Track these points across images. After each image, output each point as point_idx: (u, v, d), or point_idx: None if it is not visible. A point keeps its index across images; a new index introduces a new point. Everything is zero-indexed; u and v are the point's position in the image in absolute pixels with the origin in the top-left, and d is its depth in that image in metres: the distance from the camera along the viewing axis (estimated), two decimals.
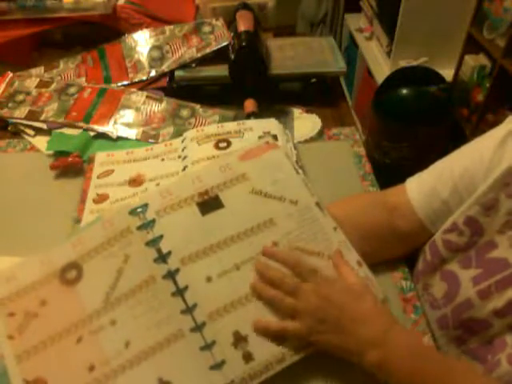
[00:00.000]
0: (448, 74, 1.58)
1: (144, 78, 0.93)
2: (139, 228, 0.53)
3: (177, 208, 0.55)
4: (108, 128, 0.83)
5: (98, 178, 0.73)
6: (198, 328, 0.49)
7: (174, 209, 0.55)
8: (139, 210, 0.54)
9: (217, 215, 0.55)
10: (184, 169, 0.69)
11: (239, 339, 0.50)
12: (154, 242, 0.52)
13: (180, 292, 0.50)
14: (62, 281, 0.51)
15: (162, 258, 0.52)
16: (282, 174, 0.59)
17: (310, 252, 0.54)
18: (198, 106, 0.87)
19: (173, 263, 0.52)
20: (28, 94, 0.90)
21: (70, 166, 0.76)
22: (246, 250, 0.53)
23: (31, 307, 0.50)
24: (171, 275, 0.51)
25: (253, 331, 0.50)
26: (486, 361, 0.51)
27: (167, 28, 0.99)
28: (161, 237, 0.53)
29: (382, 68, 1.81)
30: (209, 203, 0.56)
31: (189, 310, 0.50)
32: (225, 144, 0.71)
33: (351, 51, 2.17)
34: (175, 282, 0.51)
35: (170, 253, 0.52)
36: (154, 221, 0.53)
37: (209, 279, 0.51)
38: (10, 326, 0.49)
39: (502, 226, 0.51)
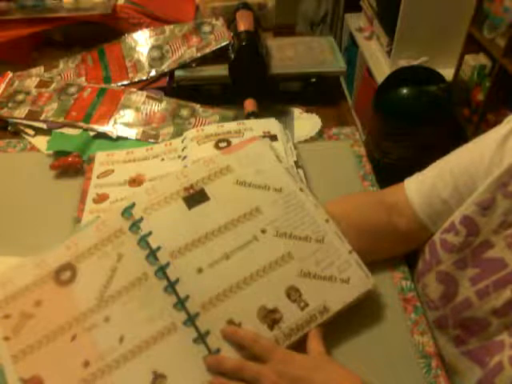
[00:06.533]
0: (448, 73, 1.58)
1: (144, 77, 0.93)
2: (131, 228, 0.54)
3: (163, 204, 0.56)
4: (108, 128, 0.83)
5: (98, 177, 0.72)
6: (191, 319, 0.50)
7: (161, 205, 0.56)
8: (128, 209, 0.55)
9: (203, 208, 0.56)
10: None
11: None
12: (143, 240, 0.53)
13: (171, 285, 0.51)
14: (57, 281, 0.52)
15: (153, 254, 0.53)
16: (265, 164, 0.61)
17: (298, 237, 0.55)
18: (197, 106, 0.87)
19: (163, 258, 0.52)
20: (28, 93, 0.90)
21: (70, 165, 0.76)
22: (235, 238, 0.54)
23: (26, 308, 0.51)
24: (162, 270, 0.52)
25: (246, 318, 0.50)
26: (484, 363, 0.51)
27: (167, 28, 0.99)
28: (150, 233, 0.54)
29: (382, 68, 1.81)
30: (194, 197, 0.57)
31: (181, 302, 0.50)
32: (225, 144, 0.71)
33: (351, 51, 2.17)
34: (166, 276, 0.52)
35: (159, 248, 0.53)
36: (141, 219, 0.54)
37: (200, 270, 0.52)
38: (6, 327, 0.50)
39: (497, 226, 0.51)
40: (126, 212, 0.55)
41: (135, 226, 0.54)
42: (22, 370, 0.48)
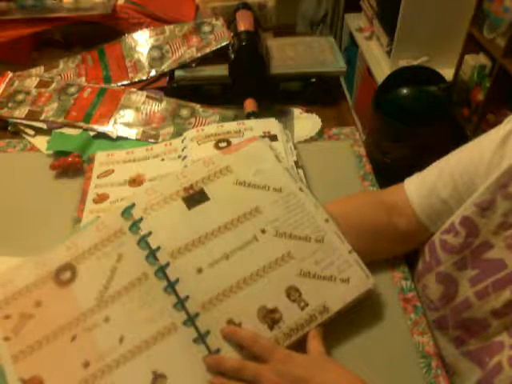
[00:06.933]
0: (448, 73, 1.58)
1: (144, 77, 0.93)
2: (131, 228, 0.54)
3: (163, 204, 0.56)
4: (108, 128, 0.83)
5: (98, 177, 0.73)
6: (191, 319, 0.50)
7: (161, 205, 0.56)
8: (127, 210, 0.55)
9: (203, 208, 0.56)
10: None
11: None
12: (143, 240, 0.53)
13: (171, 285, 0.51)
14: (57, 282, 0.52)
15: (153, 254, 0.53)
16: (265, 164, 0.61)
17: (298, 237, 0.55)
18: (197, 106, 0.87)
19: (162, 258, 0.52)
20: (28, 93, 0.90)
21: (70, 165, 0.76)
22: (234, 239, 0.54)
23: (26, 308, 0.51)
24: (162, 270, 0.52)
25: (246, 318, 0.50)
26: (484, 364, 0.51)
27: (167, 28, 0.99)
28: (149, 233, 0.54)
29: (381, 68, 1.81)
30: (194, 197, 0.57)
31: (181, 302, 0.50)
32: (225, 144, 0.71)
33: (351, 51, 2.16)
34: (166, 277, 0.52)
35: (159, 248, 0.53)
36: (141, 219, 0.54)
37: (199, 270, 0.52)
38: (6, 327, 0.50)
39: (497, 227, 0.51)
40: (126, 212, 0.55)
41: (135, 226, 0.54)
42: (22, 370, 0.48)
